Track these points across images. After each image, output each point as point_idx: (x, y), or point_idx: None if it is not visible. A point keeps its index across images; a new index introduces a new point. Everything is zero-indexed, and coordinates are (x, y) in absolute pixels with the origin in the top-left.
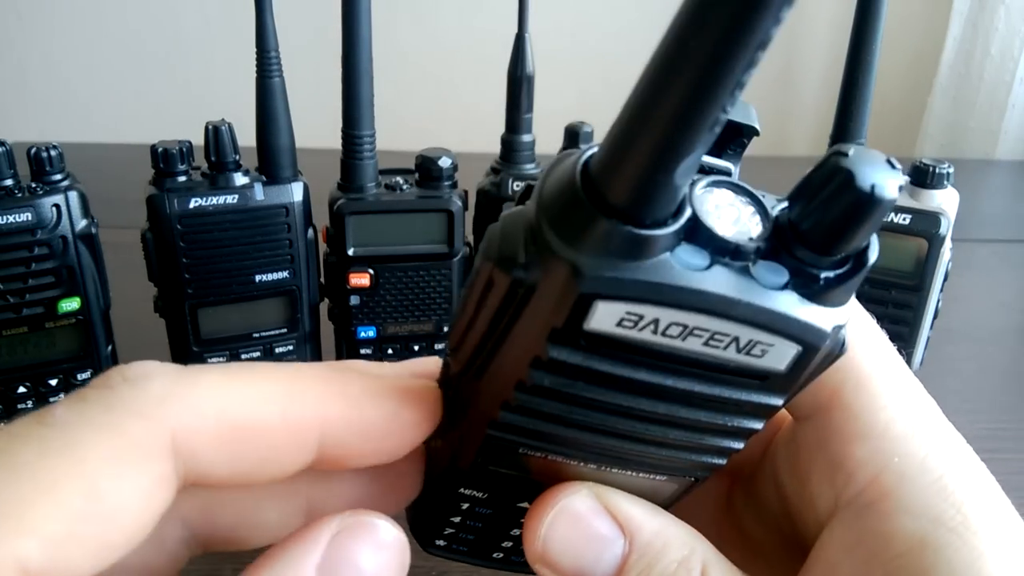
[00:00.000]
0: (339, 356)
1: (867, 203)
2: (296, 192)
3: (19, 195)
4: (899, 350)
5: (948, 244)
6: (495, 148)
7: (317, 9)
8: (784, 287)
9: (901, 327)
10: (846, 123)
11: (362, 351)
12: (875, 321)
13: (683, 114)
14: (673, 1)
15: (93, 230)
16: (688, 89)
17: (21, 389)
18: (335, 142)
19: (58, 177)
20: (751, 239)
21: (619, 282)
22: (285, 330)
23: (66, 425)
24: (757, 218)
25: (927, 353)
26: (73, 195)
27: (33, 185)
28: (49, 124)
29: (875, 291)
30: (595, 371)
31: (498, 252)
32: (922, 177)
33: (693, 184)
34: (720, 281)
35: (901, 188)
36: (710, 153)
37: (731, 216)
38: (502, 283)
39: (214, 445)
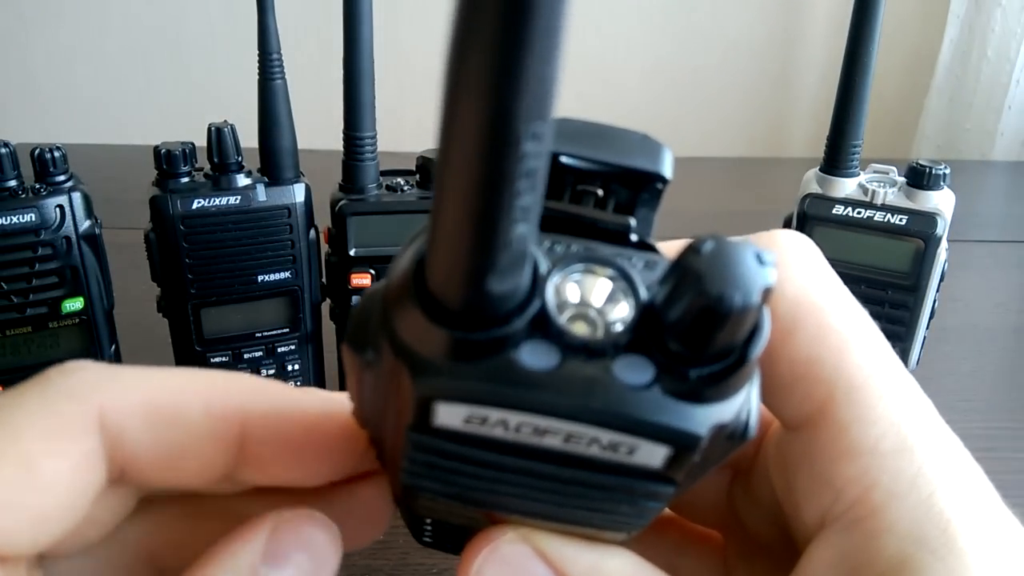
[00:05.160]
0: (340, 356)
1: (716, 312)
2: (298, 193)
3: (23, 196)
4: (895, 350)
5: (944, 245)
6: None
7: (319, 11)
8: (648, 385)
9: (897, 327)
10: (843, 125)
11: None
12: (872, 322)
13: (469, 219)
14: (668, 3)
15: (96, 231)
16: (461, 196)
17: None
18: (337, 144)
19: (62, 178)
20: (610, 332)
21: (453, 385)
22: (287, 330)
23: (4, 407)
24: (624, 303)
25: (923, 353)
26: (77, 196)
27: (37, 186)
28: (53, 125)
29: (872, 291)
30: (463, 455)
31: (350, 333)
32: (919, 178)
33: (557, 261)
34: (569, 382)
35: (767, 290)
36: (619, 204)
37: (592, 303)
38: (354, 363)
39: (139, 425)
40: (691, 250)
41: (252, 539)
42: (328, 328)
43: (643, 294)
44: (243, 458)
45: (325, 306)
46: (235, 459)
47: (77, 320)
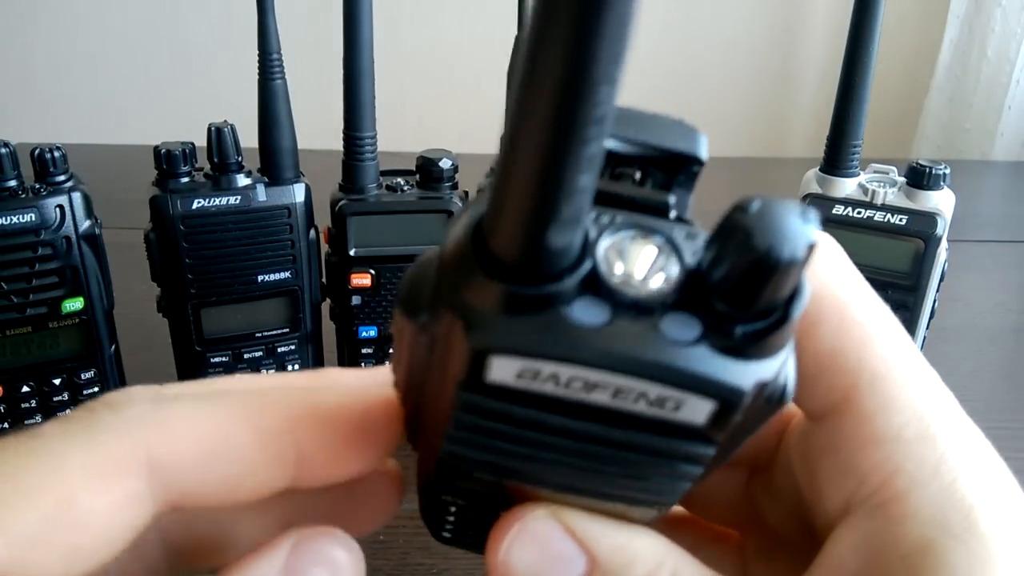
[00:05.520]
0: (340, 356)
1: (765, 265)
2: (298, 193)
3: (23, 196)
4: None
5: (944, 244)
6: (495, 149)
7: (319, 11)
8: (696, 341)
9: None
10: (843, 124)
11: (363, 351)
12: (893, 315)
13: (539, 166)
14: (668, 2)
15: (97, 231)
16: (532, 153)
17: (25, 389)
18: (337, 144)
19: (62, 178)
20: (658, 291)
21: (508, 338)
22: (287, 330)
23: (50, 437)
24: (671, 265)
25: (923, 353)
26: (77, 196)
27: (37, 186)
28: (53, 125)
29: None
30: (510, 415)
31: (403, 297)
32: (919, 178)
33: (605, 227)
34: (618, 337)
35: (811, 245)
36: (655, 186)
37: (641, 265)
38: (408, 329)
39: (190, 463)
40: (738, 209)
41: (272, 556)
42: (328, 328)
43: (688, 258)
44: (300, 468)
45: (325, 306)
46: (293, 474)
47: (77, 320)
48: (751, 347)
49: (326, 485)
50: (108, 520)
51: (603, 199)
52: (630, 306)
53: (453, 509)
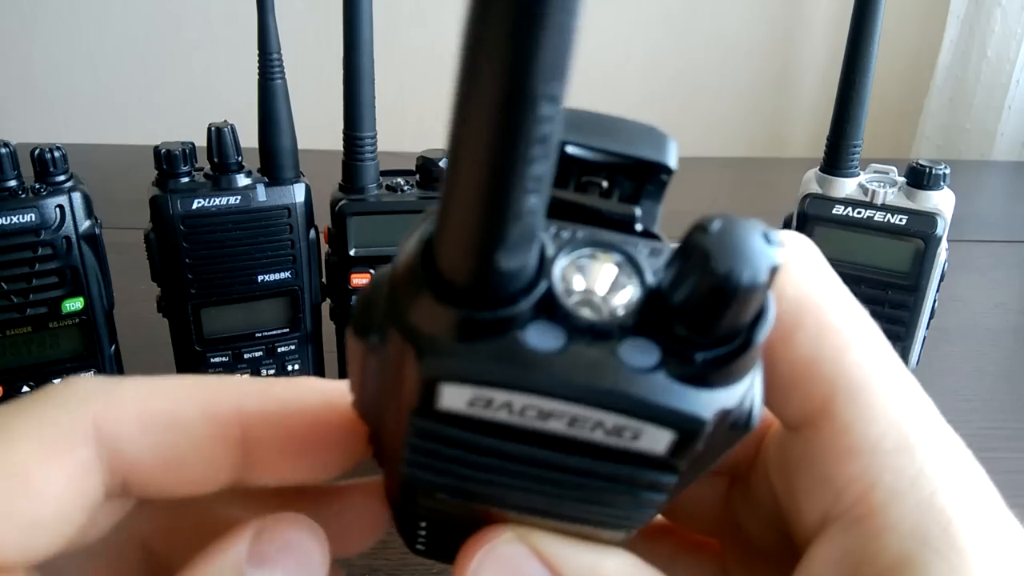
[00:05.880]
0: (340, 356)
1: (725, 290)
2: (298, 193)
3: (23, 196)
4: (895, 350)
5: (944, 245)
6: None
7: (319, 11)
8: (654, 368)
9: (897, 327)
10: (843, 125)
11: None
12: (873, 321)
13: (481, 187)
14: (668, 2)
15: (97, 231)
16: (473, 176)
17: (25, 389)
18: (337, 144)
19: (62, 178)
20: (616, 314)
21: (459, 366)
22: (287, 330)
23: (1, 416)
24: (630, 287)
25: (923, 353)
26: (77, 196)
27: (37, 186)
28: (53, 125)
29: (871, 291)
30: (464, 441)
31: (356, 317)
32: (919, 178)
33: (564, 244)
34: (574, 363)
35: (774, 268)
36: (623, 196)
37: (599, 287)
38: (359, 349)
39: (135, 433)
40: (698, 228)
41: (237, 542)
42: (328, 328)
43: (649, 278)
44: (249, 461)
45: (325, 306)
46: (240, 463)
47: (77, 320)
48: (712, 374)
49: (278, 484)
50: (63, 491)
51: (567, 210)
52: (586, 330)
53: (424, 524)
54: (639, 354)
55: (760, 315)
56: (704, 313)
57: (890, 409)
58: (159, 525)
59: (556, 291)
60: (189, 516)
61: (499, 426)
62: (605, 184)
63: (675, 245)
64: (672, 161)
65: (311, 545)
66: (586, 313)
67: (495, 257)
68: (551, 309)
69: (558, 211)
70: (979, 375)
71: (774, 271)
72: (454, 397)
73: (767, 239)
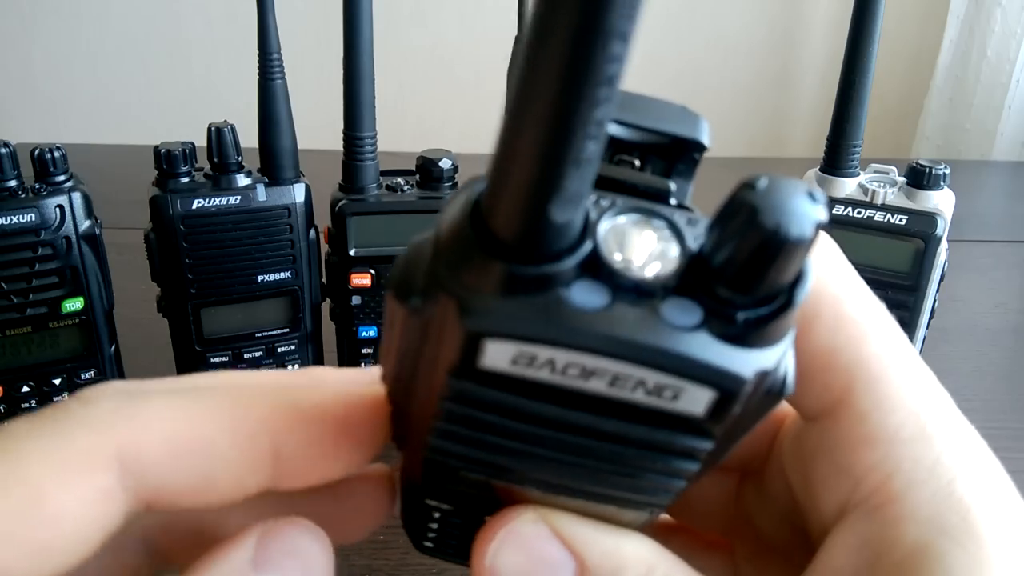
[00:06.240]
0: (340, 356)
1: (772, 243)
2: (298, 193)
3: (23, 196)
4: None
5: (944, 244)
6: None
7: (319, 11)
8: (696, 327)
9: None
10: (843, 125)
11: (364, 351)
12: (889, 313)
13: (548, 127)
14: (668, 2)
15: (96, 231)
16: (539, 116)
17: (25, 389)
18: (337, 144)
19: (62, 178)
20: (659, 275)
21: (504, 321)
22: (287, 330)
23: (16, 436)
24: (672, 249)
25: (923, 353)
26: (77, 196)
27: (37, 186)
28: (53, 125)
29: (872, 291)
30: (502, 404)
31: (396, 281)
32: (919, 178)
33: (605, 210)
34: (618, 321)
35: (819, 225)
36: (656, 170)
37: (642, 248)
38: (399, 313)
39: (162, 459)
40: (745, 186)
41: (241, 546)
42: (328, 328)
43: (690, 242)
44: (278, 472)
45: (325, 306)
46: (271, 473)
47: (77, 320)
48: (753, 334)
49: (307, 486)
50: (78, 517)
51: (603, 184)
52: (630, 289)
53: (437, 515)
54: (682, 313)
55: (800, 276)
56: (750, 269)
57: (908, 399)
58: (161, 521)
59: (601, 250)
60: (192, 512)
61: (540, 386)
62: (637, 163)
63: (709, 218)
64: (706, 139)
65: (315, 549)
66: (630, 273)
67: (550, 207)
68: (595, 268)
69: (596, 183)
70: (979, 375)
71: (819, 227)
72: (498, 354)
73: (812, 197)
